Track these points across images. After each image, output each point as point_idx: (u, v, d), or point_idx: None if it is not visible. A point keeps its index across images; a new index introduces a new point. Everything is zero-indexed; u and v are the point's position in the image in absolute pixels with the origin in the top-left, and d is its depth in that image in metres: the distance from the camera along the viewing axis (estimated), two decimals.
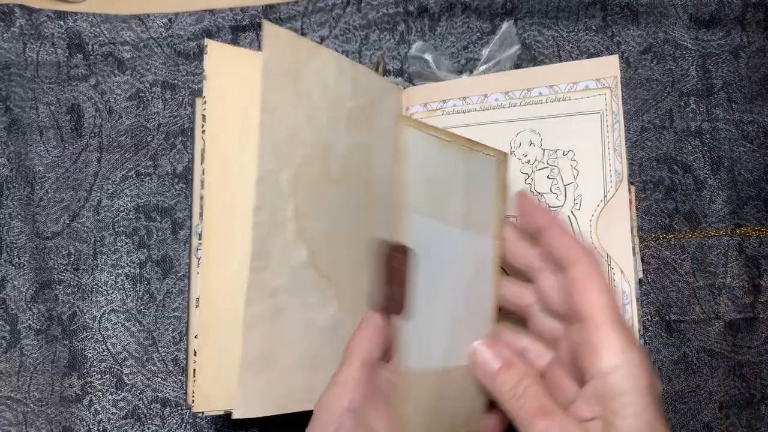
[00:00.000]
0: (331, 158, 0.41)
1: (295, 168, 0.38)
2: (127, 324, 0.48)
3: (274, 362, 0.37)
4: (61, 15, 0.52)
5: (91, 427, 0.47)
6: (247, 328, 0.36)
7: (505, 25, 0.48)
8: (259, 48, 0.50)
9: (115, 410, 0.47)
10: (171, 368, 0.48)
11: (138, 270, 0.49)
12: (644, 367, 0.29)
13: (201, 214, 0.39)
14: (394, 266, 0.32)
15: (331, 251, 0.41)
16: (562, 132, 0.43)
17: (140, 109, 0.51)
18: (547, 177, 0.43)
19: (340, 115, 0.42)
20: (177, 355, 0.48)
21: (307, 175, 0.39)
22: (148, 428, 0.47)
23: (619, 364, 0.29)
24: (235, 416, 0.35)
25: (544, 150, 0.44)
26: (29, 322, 0.48)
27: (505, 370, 0.33)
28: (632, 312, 0.40)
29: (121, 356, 0.48)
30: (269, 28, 0.37)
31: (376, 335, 0.35)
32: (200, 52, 0.51)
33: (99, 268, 0.49)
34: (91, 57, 0.52)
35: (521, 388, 0.32)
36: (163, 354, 0.48)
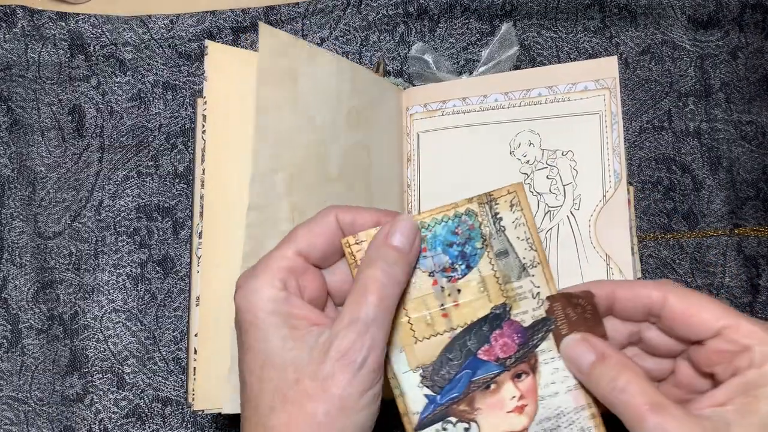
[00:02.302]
0: (329, 158, 0.41)
1: (292, 168, 0.39)
2: (128, 323, 0.48)
3: None
4: (62, 16, 0.52)
5: (92, 426, 0.47)
6: None
7: (504, 27, 0.48)
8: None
9: (116, 409, 0.47)
10: (172, 367, 0.48)
11: (139, 270, 0.49)
12: None
13: (201, 214, 0.39)
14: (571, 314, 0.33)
15: None
16: (562, 132, 0.43)
17: (141, 109, 0.51)
18: (546, 177, 0.43)
19: (339, 115, 0.42)
20: (178, 355, 0.48)
21: (305, 175, 0.40)
22: (149, 427, 0.47)
23: None
24: (224, 411, 0.36)
25: (543, 150, 0.44)
26: (30, 321, 0.49)
27: (600, 362, 0.30)
28: None
29: (122, 356, 0.48)
30: (265, 30, 0.38)
31: (324, 235, 0.31)
32: (201, 53, 0.51)
33: (100, 268, 0.49)
34: (93, 58, 0.52)
35: (622, 382, 0.29)
36: (164, 353, 0.48)
